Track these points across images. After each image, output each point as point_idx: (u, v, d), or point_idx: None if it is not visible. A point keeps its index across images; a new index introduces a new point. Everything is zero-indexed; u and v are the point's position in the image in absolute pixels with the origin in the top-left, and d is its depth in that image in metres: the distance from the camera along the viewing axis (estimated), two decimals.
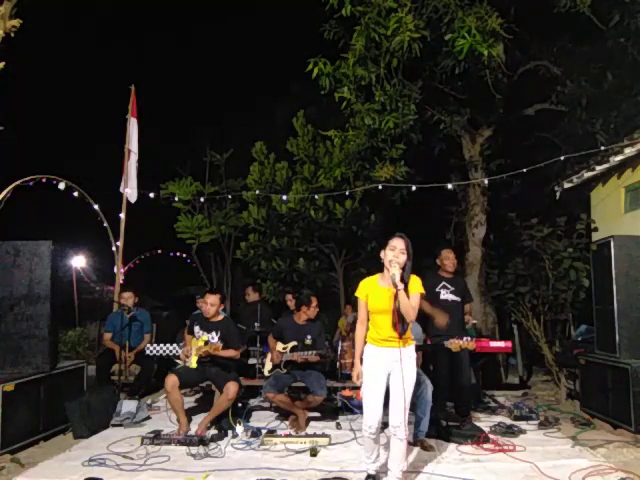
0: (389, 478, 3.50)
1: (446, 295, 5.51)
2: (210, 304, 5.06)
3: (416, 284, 3.46)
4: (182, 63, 17.44)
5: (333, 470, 3.90)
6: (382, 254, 3.51)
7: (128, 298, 6.49)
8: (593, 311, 5.43)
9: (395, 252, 3.41)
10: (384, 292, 3.46)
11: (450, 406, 5.54)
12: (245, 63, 17.15)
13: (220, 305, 5.16)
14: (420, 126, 8.09)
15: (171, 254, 13.55)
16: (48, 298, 4.83)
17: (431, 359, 5.25)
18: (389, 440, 3.52)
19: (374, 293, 3.50)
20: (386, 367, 3.46)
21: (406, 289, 3.37)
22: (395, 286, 3.29)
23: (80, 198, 8.01)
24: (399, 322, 3.36)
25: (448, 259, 5.62)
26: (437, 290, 5.58)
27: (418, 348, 4.55)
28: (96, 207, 8.22)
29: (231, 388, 4.80)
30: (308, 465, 4.05)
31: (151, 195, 9.05)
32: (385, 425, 3.62)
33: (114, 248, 8.29)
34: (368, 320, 3.57)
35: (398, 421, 3.38)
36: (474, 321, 5.45)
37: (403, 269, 3.38)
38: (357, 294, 3.58)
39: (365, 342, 3.57)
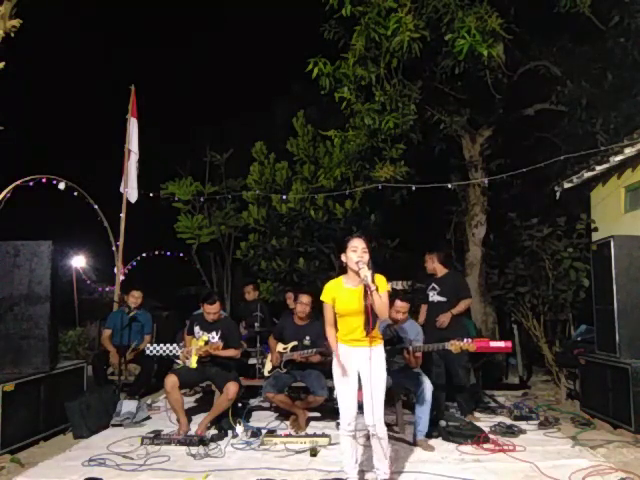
0: (377, 476, 3.51)
1: (433, 297, 5.58)
2: (208, 312, 5.04)
3: (382, 282, 3.42)
4: (182, 63, 17.42)
5: (333, 470, 3.90)
6: (343, 257, 3.46)
7: (138, 297, 6.51)
8: (593, 311, 5.43)
9: (358, 252, 3.37)
10: (353, 293, 3.43)
11: (450, 406, 5.55)
12: (245, 63, 17.14)
13: (220, 308, 5.15)
14: (420, 126, 8.09)
15: (171, 254, 13.53)
16: (48, 298, 4.83)
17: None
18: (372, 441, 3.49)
19: (342, 295, 3.46)
20: (357, 365, 3.46)
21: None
22: (369, 287, 3.26)
23: (80, 198, 8.01)
24: (371, 321, 3.33)
25: (425, 262, 5.65)
26: (427, 292, 5.66)
27: (419, 348, 4.56)
28: (96, 207, 8.23)
29: (231, 388, 4.80)
30: (308, 465, 4.05)
31: (151, 195, 9.05)
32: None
33: (114, 248, 8.29)
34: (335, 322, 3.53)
35: (371, 420, 3.38)
36: (442, 321, 5.32)
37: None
38: (323, 298, 3.53)
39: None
